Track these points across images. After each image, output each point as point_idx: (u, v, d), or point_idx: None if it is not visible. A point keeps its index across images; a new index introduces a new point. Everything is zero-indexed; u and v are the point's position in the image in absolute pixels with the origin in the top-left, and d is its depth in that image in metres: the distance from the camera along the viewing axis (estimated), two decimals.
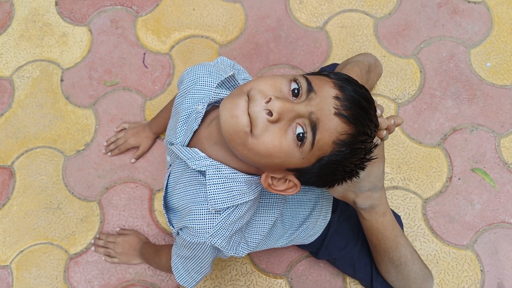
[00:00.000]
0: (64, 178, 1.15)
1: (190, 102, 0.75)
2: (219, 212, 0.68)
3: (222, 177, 0.66)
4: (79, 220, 1.12)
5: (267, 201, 0.81)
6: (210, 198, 0.66)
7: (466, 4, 1.24)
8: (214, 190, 0.66)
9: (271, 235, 0.91)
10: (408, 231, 1.07)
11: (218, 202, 0.66)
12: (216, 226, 0.68)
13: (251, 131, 0.58)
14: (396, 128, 1.15)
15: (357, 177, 0.71)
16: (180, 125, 0.73)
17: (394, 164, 1.12)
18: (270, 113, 0.57)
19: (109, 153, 1.16)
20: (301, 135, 0.58)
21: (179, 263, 0.79)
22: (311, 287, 1.06)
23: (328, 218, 0.95)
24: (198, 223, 0.68)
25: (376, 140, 0.69)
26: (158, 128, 1.13)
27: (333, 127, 0.58)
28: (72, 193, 1.14)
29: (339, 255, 0.98)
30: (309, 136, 0.58)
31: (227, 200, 0.67)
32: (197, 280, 0.80)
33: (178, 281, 0.80)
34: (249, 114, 0.57)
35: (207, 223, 0.68)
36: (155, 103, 1.19)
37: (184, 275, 0.80)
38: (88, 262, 1.09)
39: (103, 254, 1.09)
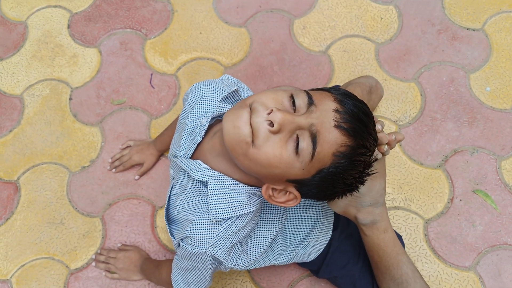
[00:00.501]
0: (68, 194, 1.16)
1: (194, 116, 0.77)
2: (220, 223, 0.69)
3: (223, 187, 0.68)
4: (81, 236, 1.13)
5: (268, 215, 0.82)
6: (211, 208, 0.67)
7: (465, 31, 1.28)
8: (216, 200, 0.67)
9: (272, 251, 0.91)
10: (410, 251, 1.06)
11: (220, 212, 0.67)
12: (217, 237, 0.69)
13: (252, 141, 0.60)
14: (398, 149, 1.16)
15: (357, 191, 0.72)
16: (184, 138, 0.75)
17: (395, 184, 1.13)
18: (271, 124, 0.59)
19: (114, 170, 1.18)
20: (297, 144, 0.59)
21: (179, 276, 0.80)
22: None
23: (329, 236, 0.95)
24: (199, 233, 0.69)
25: (377, 154, 0.70)
26: (163, 146, 1.15)
27: (333, 139, 0.60)
28: (76, 208, 1.15)
29: (340, 274, 0.97)
30: (309, 147, 0.60)
31: (228, 211, 0.68)
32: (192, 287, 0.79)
33: (174, 284, 0.81)
34: (251, 125, 0.59)
35: (208, 233, 0.69)
36: (160, 121, 1.22)
37: (180, 281, 0.80)
38: (88, 277, 1.09)
39: (103, 270, 1.09)
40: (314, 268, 1.01)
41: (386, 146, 0.70)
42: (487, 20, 1.28)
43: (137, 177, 1.17)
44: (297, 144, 0.60)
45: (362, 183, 0.71)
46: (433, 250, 1.07)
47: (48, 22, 1.35)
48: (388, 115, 1.20)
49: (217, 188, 0.67)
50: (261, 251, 0.81)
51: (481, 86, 1.21)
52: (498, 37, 1.26)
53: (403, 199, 1.12)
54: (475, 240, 1.07)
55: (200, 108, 0.77)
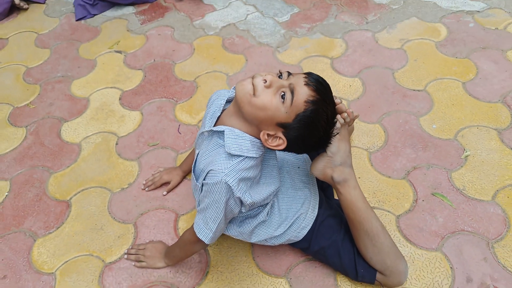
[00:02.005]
0: (108, 208, 1.46)
1: (214, 107, 1.15)
2: (232, 158, 1.00)
3: (234, 134, 1.01)
4: (117, 237, 1.38)
5: (267, 174, 1.11)
6: (227, 145, 0.99)
7: (412, 92, 1.72)
8: (229, 141, 0.99)
9: (272, 221, 1.17)
10: None
11: (232, 148, 0.99)
12: (230, 168, 0.98)
13: (254, 94, 0.96)
14: (370, 167, 1.48)
15: (329, 151, 1.06)
16: (208, 117, 1.11)
17: (370, 191, 1.42)
18: (265, 81, 0.97)
19: (146, 189, 1.49)
20: (283, 95, 0.96)
21: (200, 220, 1.06)
22: (307, 286, 1.23)
23: (316, 212, 1.22)
24: (217, 165, 0.99)
25: (339, 119, 1.06)
26: (187, 167, 1.49)
27: (303, 92, 0.96)
28: (114, 218, 1.43)
29: (327, 244, 1.20)
30: (289, 96, 0.96)
31: (237, 149, 0.99)
32: (213, 229, 1.04)
33: (198, 236, 1.05)
34: (253, 85, 0.97)
35: (223, 164, 0.99)
36: (184, 155, 1.58)
37: (203, 228, 1.05)
38: (120, 268, 1.31)
39: (133, 261, 1.31)
40: (306, 245, 1.24)
41: (346, 114, 1.07)
42: (428, 84, 1.73)
43: (165, 193, 1.47)
44: (282, 96, 0.96)
45: (330, 141, 1.05)
46: (405, 237, 1.30)
47: (105, 97, 1.83)
48: (361, 146, 1.55)
49: (230, 134, 1.01)
50: (261, 197, 1.08)
51: (429, 124, 1.59)
52: (437, 94, 1.70)
53: (377, 201, 1.39)
54: (438, 229, 1.31)
55: (218, 100, 1.15)
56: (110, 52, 2.04)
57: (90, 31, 2.18)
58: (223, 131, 1.01)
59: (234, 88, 1.06)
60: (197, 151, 1.14)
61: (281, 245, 1.30)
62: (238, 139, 1.00)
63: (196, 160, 1.10)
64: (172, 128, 1.69)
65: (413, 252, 1.27)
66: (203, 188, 1.02)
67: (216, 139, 1.04)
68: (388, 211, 1.36)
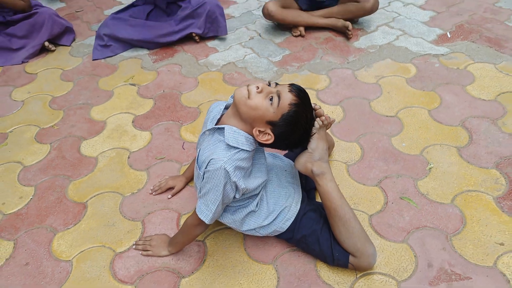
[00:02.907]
0: (120, 208, 1.67)
1: (215, 113, 1.41)
2: (230, 149, 1.24)
3: (232, 130, 1.26)
4: (126, 232, 1.58)
5: (258, 169, 1.35)
6: (226, 138, 1.23)
7: (385, 117, 1.99)
8: (229, 135, 1.24)
9: (261, 211, 1.40)
10: None
11: (230, 141, 1.23)
12: (228, 156, 1.22)
13: (248, 97, 1.23)
14: (348, 177, 1.71)
15: (309, 147, 1.31)
16: (210, 120, 1.37)
17: (347, 196, 1.64)
18: (257, 88, 1.23)
19: (154, 193, 1.71)
20: (271, 98, 1.22)
21: (201, 204, 1.28)
22: (291, 271, 1.42)
23: (299, 206, 1.44)
24: (218, 155, 1.22)
25: (317, 121, 1.32)
26: (189, 174, 1.72)
27: (288, 97, 1.23)
28: (124, 216, 1.64)
29: (308, 232, 1.41)
30: (276, 100, 1.22)
31: (235, 143, 1.24)
32: (213, 210, 1.25)
33: (200, 217, 1.27)
34: (248, 90, 1.24)
35: (223, 154, 1.22)
36: (186, 166, 1.82)
37: (204, 210, 1.27)
38: (128, 256, 1.50)
39: (140, 250, 1.51)
40: (290, 235, 1.44)
41: (323, 117, 1.33)
42: (398, 111, 2.01)
43: (169, 196, 1.70)
44: (271, 99, 1.23)
45: (309, 139, 1.30)
46: (376, 232, 1.51)
47: (120, 120, 2.11)
48: (340, 160, 1.79)
49: (229, 130, 1.25)
50: (252, 186, 1.31)
51: (399, 143, 1.85)
52: (407, 119, 1.97)
53: (353, 203, 1.61)
54: (405, 225, 1.52)
55: (217, 107, 1.41)
56: (126, 84, 2.36)
57: (109, 68, 2.51)
58: (223, 128, 1.26)
59: (232, 97, 1.33)
60: (198, 149, 1.38)
61: (268, 237, 1.51)
62: (236, 134, 1.25)
63: (198, 155, 1.34)
64: (177, 145, 1.94)
65: (383, 243, 1.47)
66: (205, 175, 1.25)
67: (216, 136, 1.29)
68: (362, 211, 1.58)
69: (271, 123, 1.23)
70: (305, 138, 1.32)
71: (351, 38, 2.54)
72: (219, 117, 1.34)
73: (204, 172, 1.25)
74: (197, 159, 1.33)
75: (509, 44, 2.38)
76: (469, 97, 2.06)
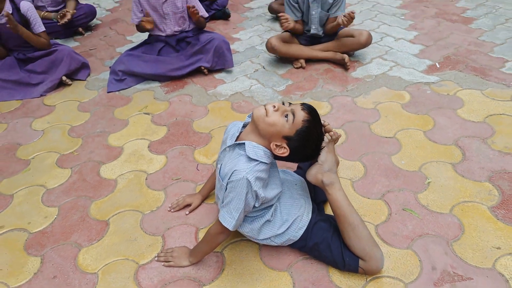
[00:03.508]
0: (140, 225, 1.78)
1: (233, 131, 1.55)
2: (250, 162, 1.37)
3: (252, 145, 1.40)
4: (148, 246, 1.68)
5: (273, 181, 1.48)
6: (247, 151, 1.37)
7: (384, 138, 2.15)
8: (249, 149, 1.38)
9: (275, 220, 1.52)
10: None
11: (251, 154, 1.37)
12: (249, 168, 1.35)
13: (266, 115, 1.38)
14: (353, 192, 1.84)
15: (319, 159, 1.45)
16: (229, 138, 1.51)
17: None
18: (274, 107, 1.39)
19: (172, 210, 1.83)
20: (286, 116, 1.38)
21: (225, 212, 1.39)
22: (305, 277, 1.52)
23: (310, 216, 1.57)
24: (240, 166, 1.35)
25: (327, 136, 1.47)
26: (205, 191, 1.84)
27: (301, 114, 1.39)
28: (145, 232, 1.75)
29: (320, 240, 1.52)
30: (291, 117, 1.38)
31: (254, 156, 1.38)
32: (235, 218, 1.37)
33: (223, 224, 1.38)
34: (265, 109, 1.39)
35: (245, 166, 1.36)
36: (201, 186, 1.94)
37: (227, 217, 1.39)
38: (151, 267, 1.60)
39: (162, 261, 1.60)
40: (303, 244, 1.55)
41: (332, 133, 1.48)
42: (396, 133, 2.17)
43: (187, 212, 1.81)
44: (286, 116, 1.38)
45: (319, 153, 1.45)
46: (382, 240, 1.62)
47: (136, 145, 2.25)
48: (345, 177, 1.93)
49: (249, 144, 1.40)
50: (270, 196, 1.44)
51: (398, 161, 1.99)
52: (404, 140, 2.13)
53: (360, 215, 1.73)
54: (408, 233, 1.64)
55: (235, 125, 1.56)
56: (140, 114, 2.51)
57: (123, 99, 2.68)
58: (244, 143, 1.40)
59: (249, 116, 1.48)
60: (218, 165, 1.52)
61: (282, 247, 1.61)
62: (255, 148, 1.39)
63: (220, 168, 1.47)
64: (192, 166, 2.07)
65: (389, 250, 1.58)
66: (228, 186, 1.38)
67: (237, 150, 1.43)
68: (369, 222, 1.70)
69: (287, 138, 1.37)
70: (316, 151, 1.47)
71: (349, 69, 2.75)
72: (238, 134, 1.49)
73: (227, 183, 1.38)
74: (219, 172, 1.46)
75: (493, 73, 2.60)
76: (460, 119, 2.23)
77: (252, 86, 2.71)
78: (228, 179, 1.37)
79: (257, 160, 1.37)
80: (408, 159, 2.01)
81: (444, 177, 1.89)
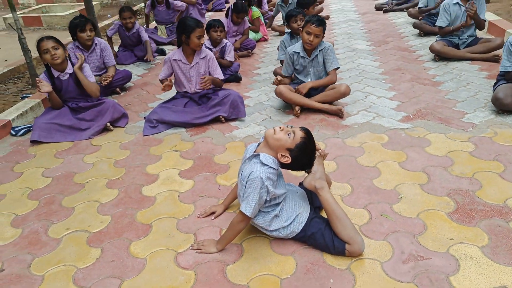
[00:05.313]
0: (176, 226, 2.28)
1: (252, 149, 2.12)
2: (264, 166, 1.93)
3: (264, 155, 1.97)
4: (183, 240, 2.18)
5: (280, 184, 2.02)
6: (261, 158, 1.94)
7: (367, 167, 2.70)
8: (262, 157, 1.95)
9: (282, 216, 2.04)
10: None
11: (263, 160, 1.94)
12: (262, 170, 1.91)
13: (274, 133, 1.97)
14: (343, 204, 2.36)
15: (312, 169, 2.02)
16: (248, 153, 2.08)
17: None
18: (280, 128, 1.98)
19: (201, 216, 2.34)
20: (289, 134, 1.96)
21: (245, 204, 1.93)
22: (305, 259, 2.00)
23: (308, 214, 2.09)
24: (256, 169, 1.92)
25: (317, 152, 2.05)
26: (227, 202, 2.37)
27: (300, 133, 1.98)
28: (180, 231, 2.25)
29: (315, 230, 2.03)
30: (292, 134, 1.97)
31: (266, 162, 1.94)
32: (252, 206, 1.90)
33: (243, 212, 1.91)
34: (274, 130, 1.98)
35: (259, 169, 1.92)
36: (222, 199, 2.46)
37: (246, 207, 1.92)
38: (187, 254, 2.08)
39: (195, 249, 2.09)
40: (303, 234, 2.06)
41: (321, 150, 2.06)
42: (377, 163, 2.74)
43: (213, 218, 2.32)
44: (289, 134, 1.96)
45: (312, 164, 2.02)
46: (365, 235, 2.12)
47: (169, 173, 2.80)
48: (336, 193, 2.46)
49: (263, 154, 1.97)
50: (278, 193, 1.97)
51: (378, 183, 2.54)
52: (383, 168, 2.68)
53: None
54: (384, 231, 2.14)
55: (252, 146, 2.13)
56: (170, 151, 3.11)
57: (156, 140, 3.29)
58: (259, 154, 1.98)
59: (262, 138, 2.07)
60: (239, 173, 2.07)
61: (287, 240, 2.10)
62: (267, 157, 1.96)
63: (241, 173, 2.02)
64: (214, 187, 2.61)
65: (369, 241, 2.08)
66: (247, 183, 1.93)
67: (254, 160, 2.00)
68: (355, 223, 2.20)
69: (289, 149, 1.95)
70: (310, 161, 2.03)
71: (343, 117, 3.40)
72: (254, 150, 2.07)
73: (246, 182, 1.93)
74: (240, 175, 2.02)
75: (455, 122, 3.23)
76: (427, 154, 2.81)
77: (261, 130, 3.33)
78: (247, 178, 1.92)
79: (268, 165, 1.93)
80: (385, 182, 2.55)
81: (413, 194, 2.42)
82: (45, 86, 3.29)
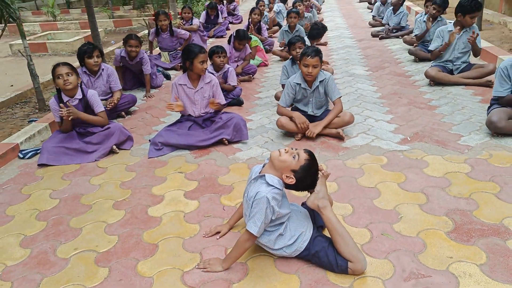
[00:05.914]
0: (182, 246, 2.34)
1: (257, 170, 2.20)
2: (269, 186, 2.01)
3: (270, 176, 2.06)
4: (189, 259, 2.23)
5: (284, 204, 2.09)
6: (267, 179, 2.02)
7: (367, 188, 2.78)
8: (268, 178, 2.03)
9: (285, 234, 2.11)
10: None
11: (269, 181, 2.02)
12: (268, 190, 1.99)
13: (279, 155, 2.06)
14: (345, 223, 2.42)
15: (316, 189, 2.10)
16: (253, 174, 2.16)
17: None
18: (285, 150, 2.07)
19: (206, 236, 2.40)
20: (294, 156, 2.05)
21: (251, 223, 2.00)
22: (309, 277, 2.06)
23: (311, 232, 2.16)
24: (262, 189, 2.00)
25: (320, 172, 2.13)
26: (232, 222, 2.43)
27: (304, 156, 2.07)
28: (186, 250, 2.30)
29: (319, 249, 2.09)
30: (296, 156, 2.06)
31: (272, 183, 2.02)
32: (259, 225, 1.97)
33: (250, 231, 1.97)
34: (279, 152, 2.07)
35: (265, 189, 2.00)
36: (227, 219, 2.52)
37: (253, 226, 1.99)
38: (193, 272, 2.14)
39: (201, 268, 2.14)
40: (307, 252, 2.11)
41: (324, 170, 2.15)
42: (376, 184, 2.81)
43: (218, 237, 2.38)
44: (293, 156, 2.05)
45: (315, 184, 2.10)
46: (366, 253, 2.18)
47: (174, 194, 2.87)
48: (338, 213, 2.52)
49: (268, 175, 2.05)
50: (283, 212, 2.04)
51: (379, 203, 2.61)
52: (383, 189, 2.76)
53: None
54: (385, 249, 2.20)
55: (257, 167, 2.21)
56: (175, 173, 3.18)
57: (161, 163, 3.37)
58: (264, 175, 2.06)
59: (267, 159, 2.16)
60: (245, 194, 2.15)
61: (291, 258, 2.16)
62: (272, 178, 2.05)
63: (247, 194, 2.10)
64: (219, 208, 2.68)
65: (371, 260, 2.13)
66: (253, 203, 2.00)
67: (259, 180, 2.08)
68: (357, 242, 2.26)
69: (294, 171, 2.03)
70: (314, 182, 2.11)
71: (343, 139, 3.49)
72: (259, 171, 2.15)
73: (252, 202, 2.00)
74: (247, 195, 2.09)
75: (451, 144, 3.33)
76: (425, 175, 2.90)
77: (263, 153, 3.42)
78: (254, 198, 1.99)
79: (273, 186, 2.01)
80: (385, 202, 2.63)
81: (412, 213, 2.49)
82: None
